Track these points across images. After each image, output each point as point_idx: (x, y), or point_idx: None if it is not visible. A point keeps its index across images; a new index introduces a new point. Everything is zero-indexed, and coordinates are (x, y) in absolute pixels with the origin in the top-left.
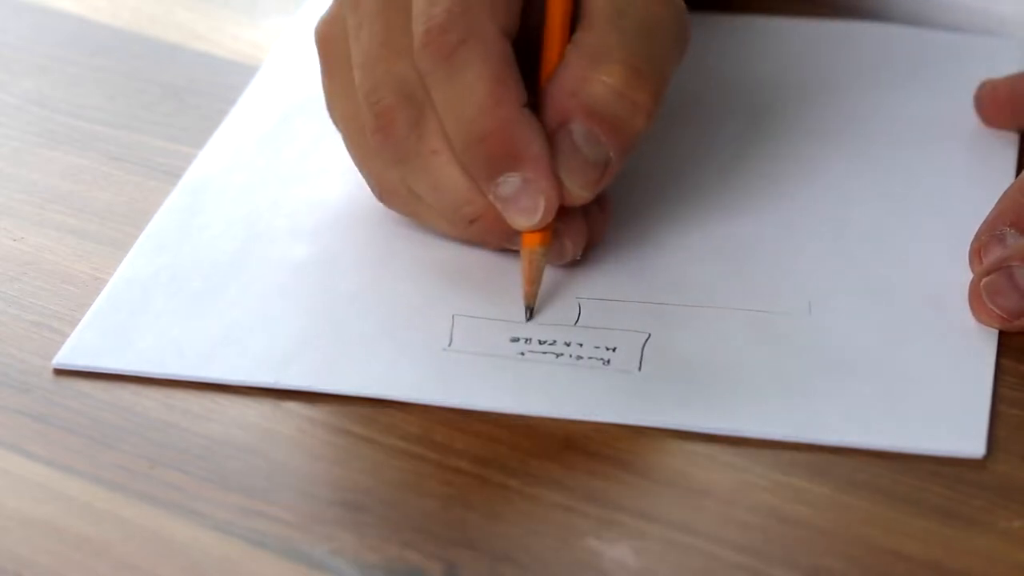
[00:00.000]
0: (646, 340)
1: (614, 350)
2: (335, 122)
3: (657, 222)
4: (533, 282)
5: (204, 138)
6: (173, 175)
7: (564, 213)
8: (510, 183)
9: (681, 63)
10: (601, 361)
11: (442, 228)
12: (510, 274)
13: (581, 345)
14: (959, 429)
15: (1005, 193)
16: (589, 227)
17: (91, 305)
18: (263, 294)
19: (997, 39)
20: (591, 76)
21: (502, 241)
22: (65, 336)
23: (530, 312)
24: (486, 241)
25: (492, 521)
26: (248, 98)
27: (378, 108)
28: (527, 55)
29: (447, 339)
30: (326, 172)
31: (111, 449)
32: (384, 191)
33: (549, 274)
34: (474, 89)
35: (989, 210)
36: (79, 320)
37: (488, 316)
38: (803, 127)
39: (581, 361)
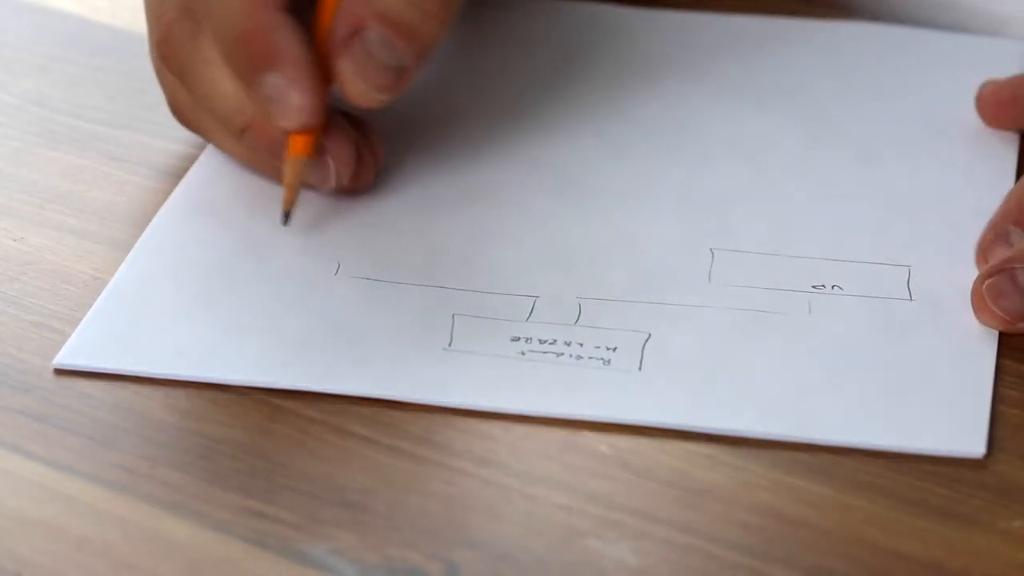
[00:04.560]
0: (646, 340)
1: (614, 350)
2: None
3: (658, 222)
4: (292, 188)
5: None
6: (173, 175)
7: (333, 137)
8: (270, 83)
9: None
10: (601, 361)
11: (222, 142)
12: (511, 276)
13: (581, 345)
14: (959, 429)
15: (1010, 193)
16: (359, 166)
17: (91, 305)
18: (263, 294)
19: (997, 39)
20: None
21: (271, 156)
22: (65, 336)
23: (286, 217)
24: (258, 155)
25: (492, 521)
26: None
27: (162, 21)
28: None
29: (447, 339)
30: None
31: (111, 449)
32: (175, 106)
33: (549, 272)
34: None
35: (990, 210)
36: (79, 320)
37: (488, 316)
38: (802, 127)
39: (581, 361)
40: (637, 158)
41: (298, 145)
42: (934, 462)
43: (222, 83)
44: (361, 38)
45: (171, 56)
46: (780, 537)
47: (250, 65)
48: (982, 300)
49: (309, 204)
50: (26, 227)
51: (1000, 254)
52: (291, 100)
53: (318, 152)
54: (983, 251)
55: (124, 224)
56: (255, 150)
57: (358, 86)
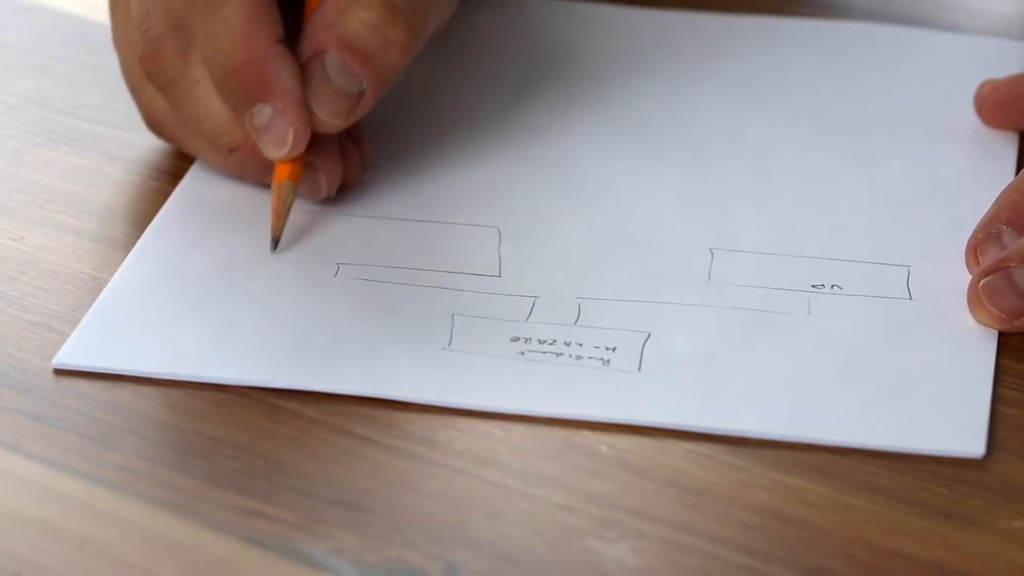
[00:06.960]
0: (646, 340)
1: (614, 350)
2: (116, 51)
3: (658, 222)
4: (280, 215)
5: None
6: (173, 175)
7: (320, 148)
8: (262, 114)
9: (449, 16)
10: (601, 361)
11: (207, 157)
12: (511, 276)
13: (581, 345)
14: (959, 429)
15: (1003, 192)
16: (345, 165)
17: (91, 305)
18: (263, 295)
19: (997, 39)
20: (347, 10)
21: (260, 174)
22: (65, 336)
23: (275, 244)
24: (246, 173)
25: (492, 521)
26: None
27: (148, 36)
28: None
29: (447, 339)
30: None
31: (111, 449)
32: (153, 118)
33: (549, 272)
34: (230, 22)
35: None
36: (79, 320)
37: (488, 316)
38: (802, 127)
39: (581, 361)
40: (637, 158)
41: (285, 170)
42: (934, 462)
43: (211, 103)
44: (321, 62)
45: (157, 72)
46: (780, 537)
47: (243, 95)
48: (978, 299)
49: (309, 205)
50: (26, 227)
51: (993, 254)
52: (280, 132)
53: (307, 168)
54: (973, 249)
55: (124, 224)
56: (243, 168)
57: (313, 112)
